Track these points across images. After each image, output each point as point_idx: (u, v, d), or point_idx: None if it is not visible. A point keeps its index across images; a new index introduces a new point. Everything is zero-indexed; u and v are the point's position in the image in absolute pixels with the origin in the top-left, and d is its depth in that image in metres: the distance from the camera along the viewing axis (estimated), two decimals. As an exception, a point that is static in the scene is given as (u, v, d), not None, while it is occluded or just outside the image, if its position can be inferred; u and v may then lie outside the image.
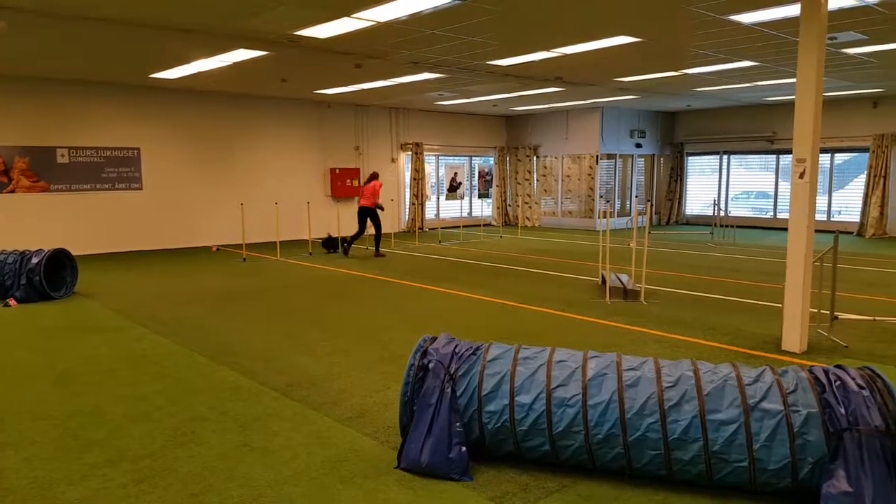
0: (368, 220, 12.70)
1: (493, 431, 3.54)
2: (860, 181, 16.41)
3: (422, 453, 3.53)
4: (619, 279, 8.69)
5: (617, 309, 7.75)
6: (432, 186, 18.94)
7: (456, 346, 3.77)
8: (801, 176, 5.80)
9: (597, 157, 18.14)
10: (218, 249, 13.97)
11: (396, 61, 10.36)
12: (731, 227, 16.12)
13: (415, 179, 18.11)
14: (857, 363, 4.38)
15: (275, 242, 13.42)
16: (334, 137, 16.60)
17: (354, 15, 7.50)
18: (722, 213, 16.87)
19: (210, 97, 14.46)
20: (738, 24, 7.91)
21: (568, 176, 19.04)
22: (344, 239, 13.12)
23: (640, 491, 3.34)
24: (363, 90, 13.73)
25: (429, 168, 18.67)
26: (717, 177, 19.37)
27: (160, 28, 8.17)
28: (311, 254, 13.06)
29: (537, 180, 19.90)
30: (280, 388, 4.97)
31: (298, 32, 8.39)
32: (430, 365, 3.65)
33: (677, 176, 19.98)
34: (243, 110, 15.00)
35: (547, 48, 9.45)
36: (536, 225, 19.83)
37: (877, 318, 6.90)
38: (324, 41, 8.87)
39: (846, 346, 6.02)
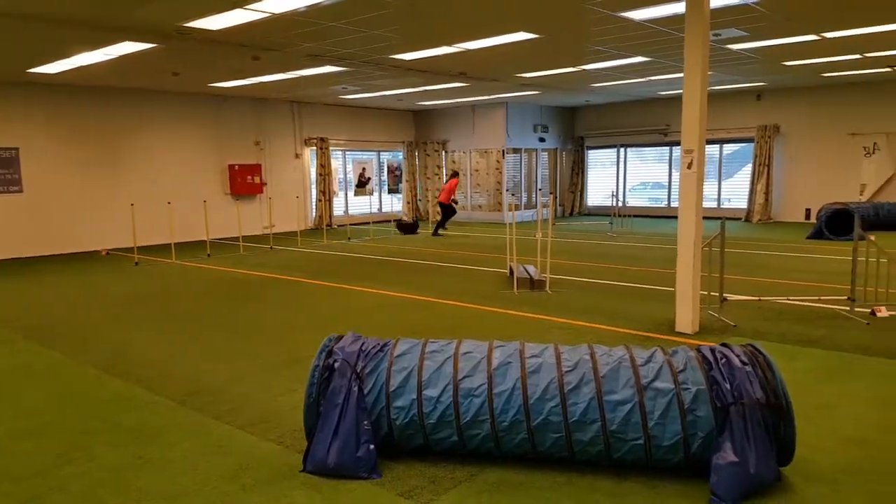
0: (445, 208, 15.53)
1: (401, 427, 3.52)
2: (747, 170, 17.56)
3: (329, 454, 3.47)
4: (526, 270, 8.88)
5: (524, 299, 7.92)
6: (340, 182, 18.67)
7: (363, 344, 3.72)
8: (689, 166, 6.12)
9: (503, 151, 18.47)
10: (108, 253, 13.17)
11: (296, 54, 10.11)
12: (630, 216, 16.85)
13: (321, 175, 17.77)
14: (744, 341, 4.68)
15: (170, 244, 12.81)
16: (233, 132, 16.01)
17: (248, 6, 7.24)
18: (620, 204, 17.58)
19: (96, 92, 13.59)
20: (630, 20, 8.24)
21: (476, 170, 19.28)
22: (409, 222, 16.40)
23: (544, 474, 3.42)
24: (262, 83, 13.31)
25: (335, 163, 18.39)
26: (616, 169, 20.20)
27: (37, 19, 7.57)
28: (209, 255, 12.55)
29: (447, 175, 20.02)
30: (178, 397, 4.74)
31: (189, 24, 8.02)
32: (336, 364, 3.59)
33: (579, 169, 20.67)
34: (132, 106, 14.20)
35: (449, 43, 9.50)
36: (446, 219, 19.98)
37: (762, 297, 7.39)
38: (217, 33, 8.52)
39: (734, 326, 6.42)
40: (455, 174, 15.93)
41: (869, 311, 6.67)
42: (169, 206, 13.31)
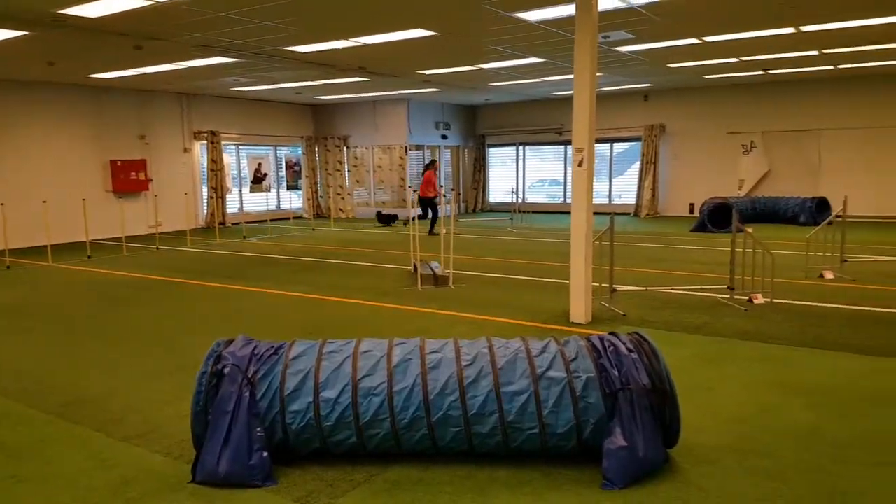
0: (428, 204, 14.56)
1: (297, 431, 3.42)
2: (636, 167, 18.45)
3: (219, 463, 3.31)
4: (429, 266, 8.91)
5: (428, 295, 7.93)
6: (233, 178, 17.97)
7: (255, 348, 3.58)
8: (580, 164, 6.33)
9: (406, 148, 18.44)
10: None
11: (183, 44, 9.61)
12: (529, 212, 17.28)
13: (212, 171, 16.98)
14: (633, 329, 4.89)
15: (46, 246, 11.86)
16: (115, 126, 15.01)
17: (129, -8, 6.81)
18: (521, 201, 18.03)
19: (-43, 81, 12.37)
20: (525, 21, 8.42)
21: (380, 166, 19.15)
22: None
23: (445, 469, 3.42)
24: (147, 74, 12.56)
25: (228, 158, 17.67)
26: (516, 167, 20.67)
27: None
28: (90, 257, 11.73)
29: (349, 171, 19.76)
30: (55, 410, 4.39)
31: (64, 11, 7.44)
32: (226, 370, 3.43)
33: (481, 166, 21.00)
34: (1, 98, 13.02)
35: (346, 37, 9.35)
36: (350, 216, 19.72)
37: (649, 288, 7.79)
38: (95, 21, 7.95)
39: (624, 315, 6.72)
40: (431, 163, 14.95)
41: (747, 298, 7.16)
42: (45, 205, 12.30)
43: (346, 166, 19.74)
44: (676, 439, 3.45)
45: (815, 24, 8.98)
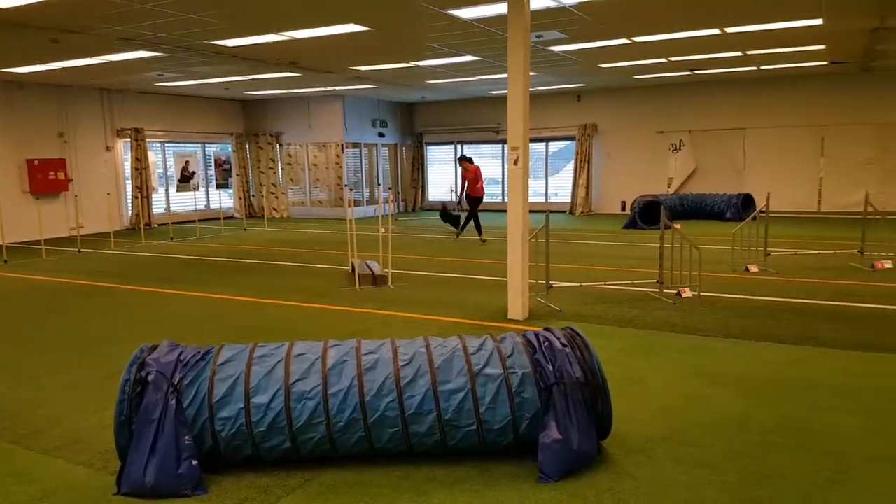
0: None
1: (228, 438, 3.31)
2: (571, 166, 18.80)
3: (146, 474, 3.17)
4: (367, 266, 8.81)
5: (367, 295, 7.85)
6: (159, 177, 17.32)
7: (181, 354, 3.45)
8: (516, 162, 6.39)
9: (342, 145, 18.22)
10: None
11: (103, 37, 9.17)
12: (468, 211, 17.31)
13: (137, 170, 16.28)
14: (568, 324, 4.97)
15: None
16: (31, 124, 14.20)
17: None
18: (459, 199, 18.06)
19: None
20: (459, 18, 8.44)
21: (315, 164, 18.84)
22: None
23: (382, 471, 3.38)
24: (65, 69, 11.94)
25: (154, 157, 17.01)
26: (454, 165, 20.72)
27: None
28: (6, 261, 11.08)
29: (282, 169, 19.34)
30: (-37, 426, 4.11)
31: (-30, -2, 6.99)
32: (150, 377, 3.29)
33: (419, 164, 20.97)
34: None
35: (276, 31, 9.14)
36: (285, 216, 19.32)
37: (583, 284, 7.94)
38: (7, 12, 7.50)
39: (560, 310, 6.82)
40: (466, 158, 13.27)
41: (675, 292, 7.40)
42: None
43: (279, 164, 19.32)
44: (609, 431, 3.52)
45: (738, 25, 9.35)
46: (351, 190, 18.31)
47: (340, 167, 18.33)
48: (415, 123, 21.00)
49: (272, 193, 19.44)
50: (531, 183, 20.40)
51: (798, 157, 15.88)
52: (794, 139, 15.89)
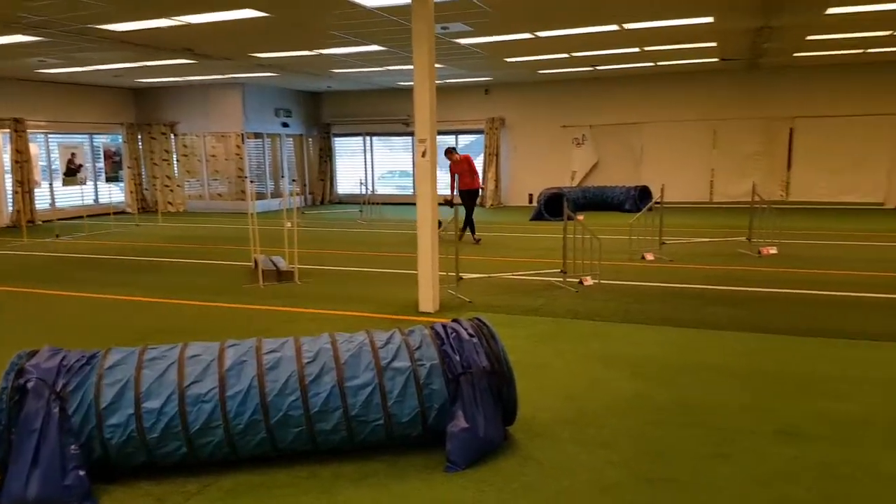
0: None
1: (118, 445, 3.12)
2: (481, 159, 19.01)
3: (28, 486, 2.96)
4: (272, 262, 8.56)
5: (271, 292, 7.62)
6: (43, 171, 16.10)
7: (63, 359, 3.21)
8: (424, 154, 6.38)
9: (242, 135, 17.57)
10: None
11: (-24, 19, 8.42)
12: (379, 204, 17.23)
13: (17, 163, 15.03)
14: (478, 314, 5.03)
15: None
16: None
17: None
18: (370, 192, 17.93)
19: None
20: (362, 7, 8.31)
21: (213, 156, 18.07)
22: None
23: (286, 470, 3.30)
24: (-68, 54, 10.89)
25: (36, 149, 15.78)
26: (364, 157, 20.53)
27: None
28: None
29: (178, 161, 18.43)
30: None
31: None
32: (30, 385, 3.05)
33: (327, 156, 20.59)
34: None
35: (168, 15, 8.66)
36: (181, 210, 18.43)
37: (492, 275, 8.06)
38: None
39: (470, 301, 6.90)
40: (452, 149, 11.62)
41: (578, 280, 7.64)
42: None
43: (174, 156, 18.39)
44: (514, 417, 3.59)
45: (635, 22, 9.72)
46: (253, 182, 17.71)
47: (241, 158, 17.64)
48: (322, 114, 20.58)
49: (167, 187, 18.47)
50: (442, 176, 20.53)
51: (691, 150, 16.77)
52: (687, 133, 16.77)
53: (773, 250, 9.45)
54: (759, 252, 9.41)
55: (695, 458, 3.39)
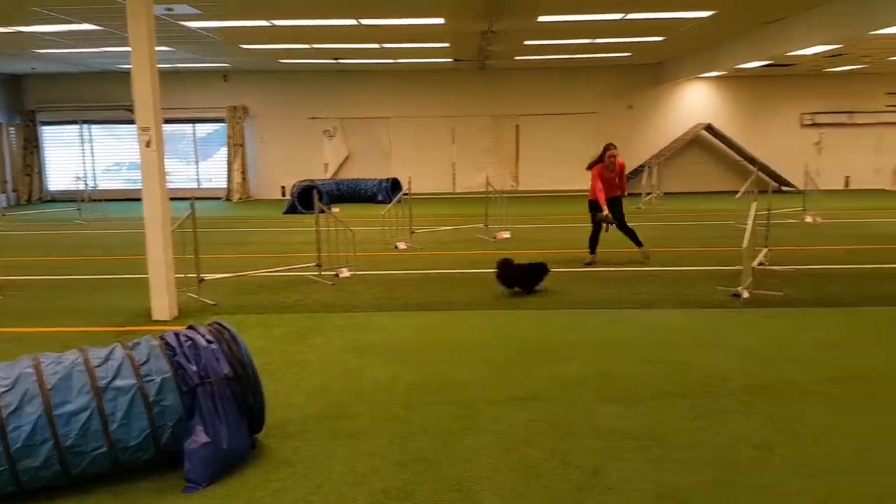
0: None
1: None
2: (225, 150, 17.87)
3: None
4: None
5: (-41, 310, 6.29)
6: None
7: None
8: (148, 144, 5.75)
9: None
10: None
11: None
12: (103, 201, 15.24)
13: None
14: (226, 317, 4.67)
15: None
16: None
17: None
18: (91, 188, 15.81)
19: None
20: (67, -22, 7.23)
21: None
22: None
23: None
24: None
25: None
26: (82, 148, 18.02)
27: None
28: None
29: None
30: None
31: None
32: None
33: (33, 148, 17.67)
34: None
35: None
36: None
37: (241, 273, 7.60)
38: None
39: (215, 304, 6.41)
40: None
41: (334, 273, 7.56)
42: None
43: None
44: (263, 422, 3.39)
45: (371, 18, 9.86)
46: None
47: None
48: (25, 99, 17.58)
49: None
50: (180, 168, 18.90)
51: (435, 145, 17.72)
52: (431, 129, 17.66)
53: (507, 234, 10.36)
54: (495, 237, 10.25)
55: (445, 434, 3.53)
